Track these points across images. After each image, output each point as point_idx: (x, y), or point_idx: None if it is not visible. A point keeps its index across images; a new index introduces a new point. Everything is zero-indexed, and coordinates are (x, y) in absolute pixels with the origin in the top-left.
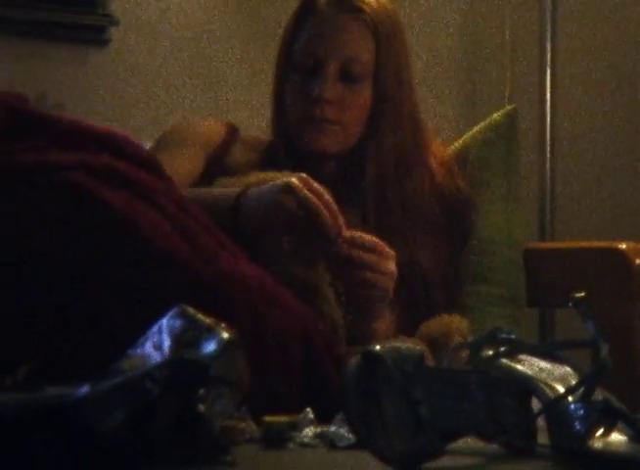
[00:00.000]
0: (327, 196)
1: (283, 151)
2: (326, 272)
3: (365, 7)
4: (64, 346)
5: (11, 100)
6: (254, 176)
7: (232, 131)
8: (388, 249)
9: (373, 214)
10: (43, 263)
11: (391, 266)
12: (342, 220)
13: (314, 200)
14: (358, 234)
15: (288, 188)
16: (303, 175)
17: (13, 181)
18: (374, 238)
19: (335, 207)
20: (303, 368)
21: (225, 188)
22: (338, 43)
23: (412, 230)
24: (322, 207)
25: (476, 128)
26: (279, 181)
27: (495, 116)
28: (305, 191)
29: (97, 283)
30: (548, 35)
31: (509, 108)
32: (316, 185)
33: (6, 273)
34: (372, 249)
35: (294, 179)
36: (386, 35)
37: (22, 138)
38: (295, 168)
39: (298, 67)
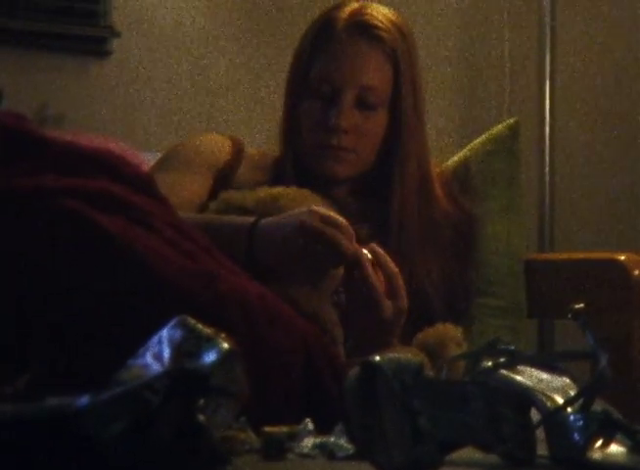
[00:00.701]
0: (342, 221)
1: (292, 172)
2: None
3: (385, 36)
4: (62, 357)
5: (9, 120)
6: (263, 191)
7: (238, 148)
8: (402, 284)
9: (395, 240)
10: (40, 283)
11: (404, 304)
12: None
13: (331, 231)
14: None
15: (303, 226)
16: (314, 209)
17: (9, 205)
18: (394, 267)
19: (351, 230)
20: (304, 383)
21: (236, 216)
22: (356, 71)
23: (425, 251)
24: (339, 235)
25: (478, 140)
26: (293, 218)
27: (497, 128)
28: (320, 225)
29: (94, 305)
30: (547, 47)
31: (511, 120)
32: (329, 214)
33: (3, 290)
34: (389, 276)
35: (305, 217)
36: (404, 64)
37: (19, 160)
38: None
39: (314, 92)
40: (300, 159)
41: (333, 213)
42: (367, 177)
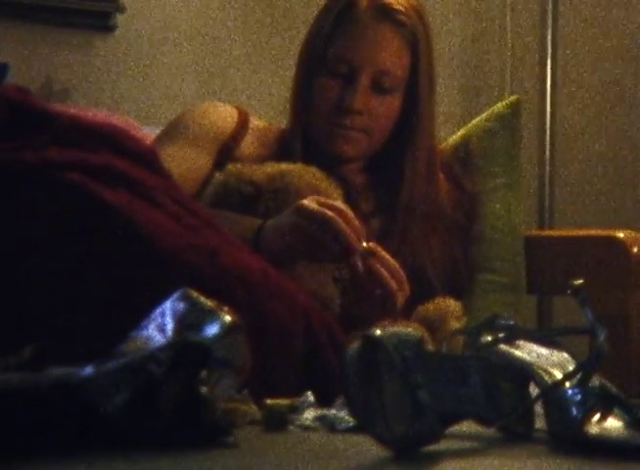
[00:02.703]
0: (341, 205)
1: (299, 148)
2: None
3: (407, 21)
4: (67, 328)
5: (11, 94)
6: (270, 166)
7: (243, 119)
8: (404, 276)
9: (402, 219)
10: (44, 256)
11: (406, 290)
12: (360, 228)
13: (327, 212)
14: (378, 248)
15: (299, 209)
16: (315, 197)
17: (12, 179)
18: (395, 263)
19: (351, 214)
20: (305, 357)
21: (240, 215)
22: (375, 54)
23: (428, 230)
24: (337, 217)
25: (479, 118)
26: (291, 207)
27: (498, 106)
28: (317, 206)
29: (97, 278)
30: (549, 25)
31: (512, 98)
32: (328, 200)
33: (6, 262)
34: (392, 271)
35: (304, 200)
36: (423, 50)
37: (22, 133)
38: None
39: (330, 70)
40: (309, 135)
41: (336, 202)
42: (376, 158)
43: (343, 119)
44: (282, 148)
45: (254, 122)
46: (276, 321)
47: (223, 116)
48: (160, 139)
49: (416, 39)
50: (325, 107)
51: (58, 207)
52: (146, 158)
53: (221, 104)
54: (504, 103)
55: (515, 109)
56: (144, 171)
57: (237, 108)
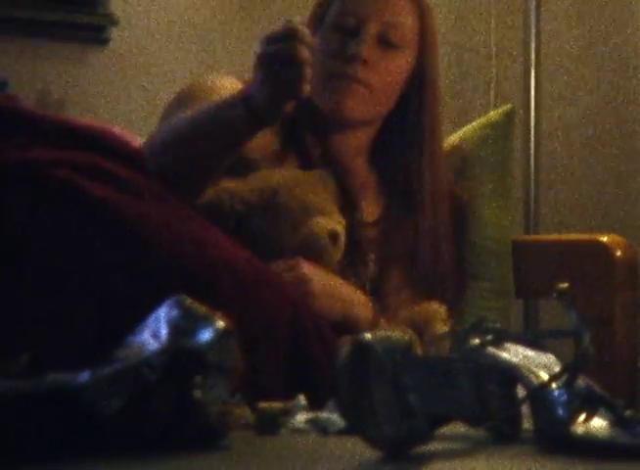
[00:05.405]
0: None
1: (305, 121)
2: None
3: None
4: (60, 333)
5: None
6: (262, 180)
7: None
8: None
9: (419, 215)
10: (34, 255)
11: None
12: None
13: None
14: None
15: (258, 58)
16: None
17: None
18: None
19: (306, 31)
20: (292, 351)
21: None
22: (381, 5)
23: (435, 216)
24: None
25: (472, 125)
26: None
27: (493, 113)
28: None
29: (85, 273)
30: (532, 35)
31: (507, 107)
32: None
33: None
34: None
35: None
36: (428, 8)
37: (8, 136)
38: (319, 140)
39: (335, 26)
40: (311, 101)
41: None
42: (381, 151)
43: (347, 68)
44: (289, 133)
45: None
46: (263, 310)
47: (230, 89)
48: (171, 112)
49: (422, 5)
50: (326, 58)
51: (46, 203)
52: (132, 158)
53: (227, 76)
54: (499, 111)
55: (509, 117)
56: (130, 171)
57: (244, 82)
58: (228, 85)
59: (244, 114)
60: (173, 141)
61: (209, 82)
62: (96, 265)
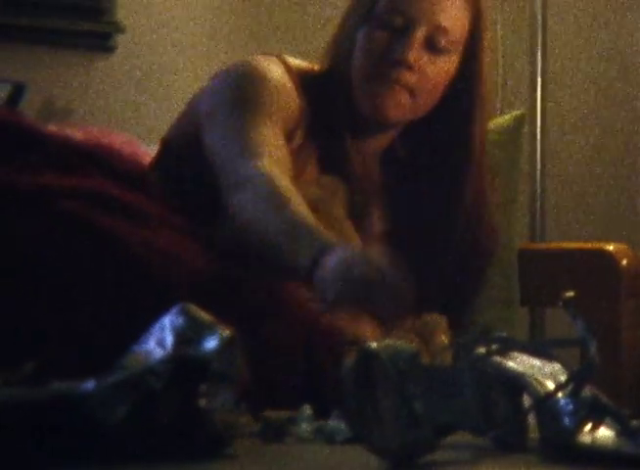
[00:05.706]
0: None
1: (340, 112)
2: None
3: None
4: (67, 343)
5: (4, 115)
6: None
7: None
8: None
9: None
10: (43, 281)
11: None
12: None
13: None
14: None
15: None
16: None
17: (9, 204)
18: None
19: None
20: (303, 366)
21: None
22: (433, 8)
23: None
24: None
25: None
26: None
27: (503, 119)
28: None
29: (97, 302)
30: (539, 41)
31: (517, 112)
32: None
33: (5, 283)
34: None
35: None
36: (482, 12)
37: (14, 154)
38: (351, 132)
39: (381, 21)
40: (349, 95)
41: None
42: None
43: (391, 72)
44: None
45: (295, 71)
46: (279, 332)
47: (290, 99)
48: (241, 116)
49: (478, 5)
50: (371, 59)
51: (55, 234)
52: (137, 180)
53: (271, 60)
54: (508, 117)
55: (519, 123)
56: (137, 195)
57: (286, 68)
58: (287, 105)
59: (305, 276)
60: (249, 235)
61: (270, 87)
62: (104, 296)
